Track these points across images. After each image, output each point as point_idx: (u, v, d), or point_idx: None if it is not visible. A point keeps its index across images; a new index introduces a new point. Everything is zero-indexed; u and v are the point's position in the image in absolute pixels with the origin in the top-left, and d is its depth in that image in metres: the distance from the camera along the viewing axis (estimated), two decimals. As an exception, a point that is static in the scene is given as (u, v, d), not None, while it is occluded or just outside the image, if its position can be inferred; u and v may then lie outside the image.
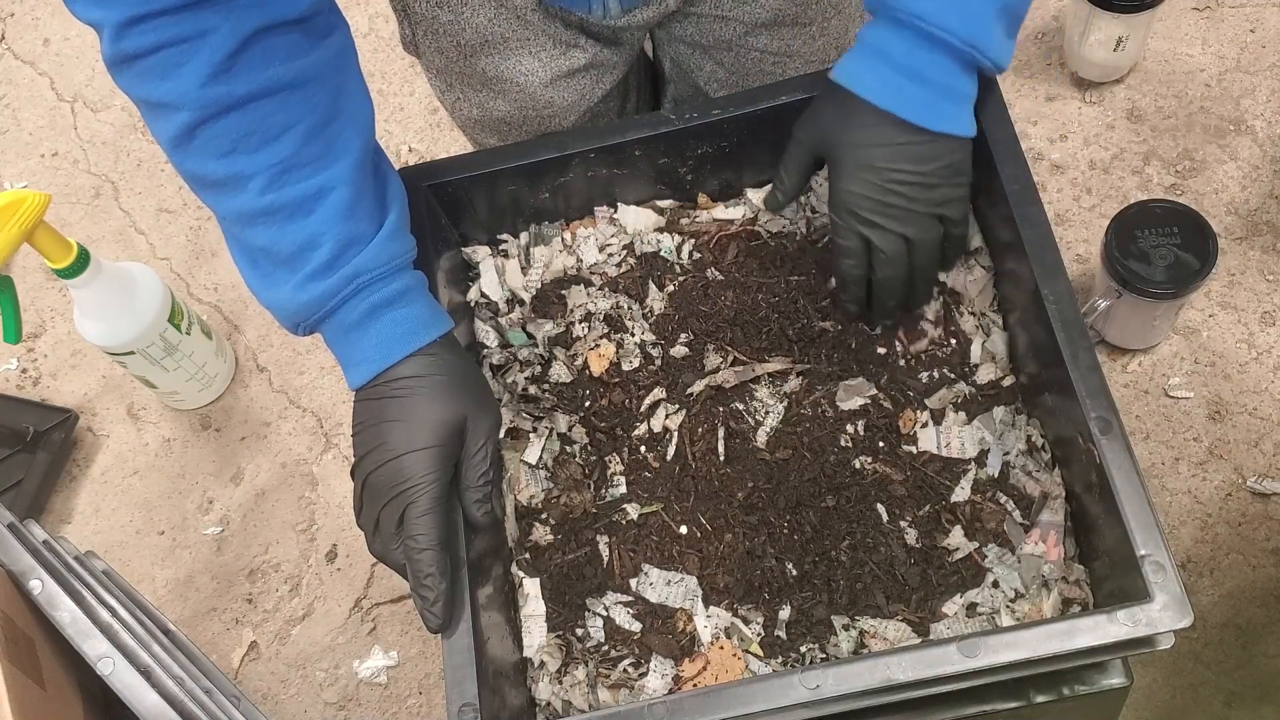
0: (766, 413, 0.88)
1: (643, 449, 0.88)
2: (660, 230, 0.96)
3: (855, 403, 0.87)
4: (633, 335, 0.92)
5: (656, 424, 0.89)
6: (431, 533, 0.74)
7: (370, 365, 0.76)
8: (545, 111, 1.03)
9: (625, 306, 0.93)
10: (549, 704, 0.81)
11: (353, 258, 0.75)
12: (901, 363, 0.89)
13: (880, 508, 0.83)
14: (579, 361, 0.92)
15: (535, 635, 0.83)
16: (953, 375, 0.87)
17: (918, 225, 0.80)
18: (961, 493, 0.83)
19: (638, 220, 0.96)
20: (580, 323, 0.93)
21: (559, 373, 0.92)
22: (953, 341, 0.89)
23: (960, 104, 0.79)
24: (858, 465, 0.85)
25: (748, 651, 0.80)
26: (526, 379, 0.92)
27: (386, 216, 0.77)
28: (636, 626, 0.82)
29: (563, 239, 0.97)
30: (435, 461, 0.75)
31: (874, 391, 0.88)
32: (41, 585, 0.88)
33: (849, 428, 0.87)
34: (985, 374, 0.87)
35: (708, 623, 0.81)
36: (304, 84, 0.72)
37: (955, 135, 0.78)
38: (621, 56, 1.04)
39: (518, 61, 0.98)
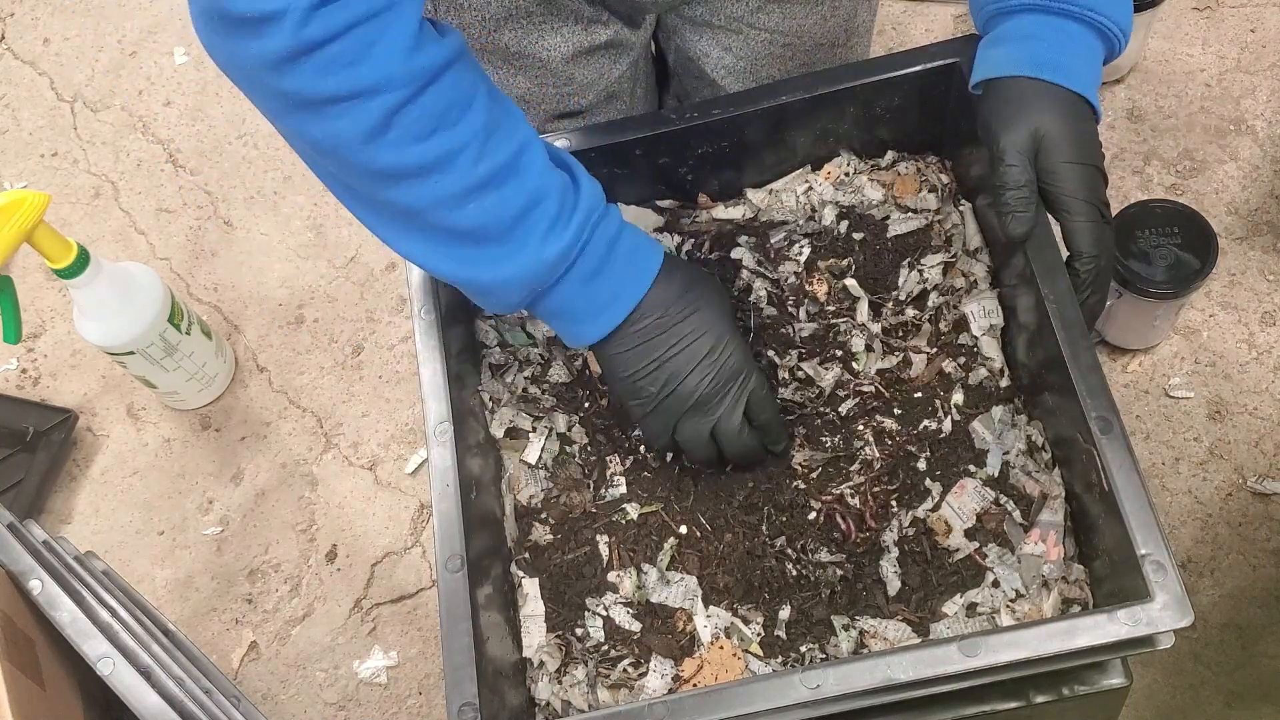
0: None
1: (642, 449, 0.88)
2: (660, 230, 0.96)
3: (853, 403, 0.87)
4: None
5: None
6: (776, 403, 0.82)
7: (627, 299, 0.75)
8: (565, 89, 1.03)
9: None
10: (548, 704, 0.81)
11: (575, 202, 0.72)
12: (897, 362, 0.89)
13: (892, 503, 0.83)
14: (578, 362, 0.92)
15: (535, 635, 0.83)
16: (957, 372, 0.87)
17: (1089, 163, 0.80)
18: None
19: (638, 220, 0.96)
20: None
21: (558, 373, 0.92)
22: (956, 340, 0.89)
23: None
24: (858, 464, 0.85)
25: (747, 651, 0.80)
26: (526, 379, 0.92)
27: (566, 158, 0.75)
28: (636, 626, 0.82)
29: (563, 239, 0.97)
30: (746, 344, 0.80)
31: (871, 389, 0.88)
32: (41, 585, 0.88)
33: (851, 424, 0.87)
34: (984, 373, 0.87)
35: (707, 622, 0.81)
36: (465, 47, 0.69)
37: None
38: (638, 38, 1.04)
39: (540, 36, 0.99)
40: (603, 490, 0.88)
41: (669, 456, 0.87)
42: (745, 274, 0.93)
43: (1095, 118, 0.81)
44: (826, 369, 0.89)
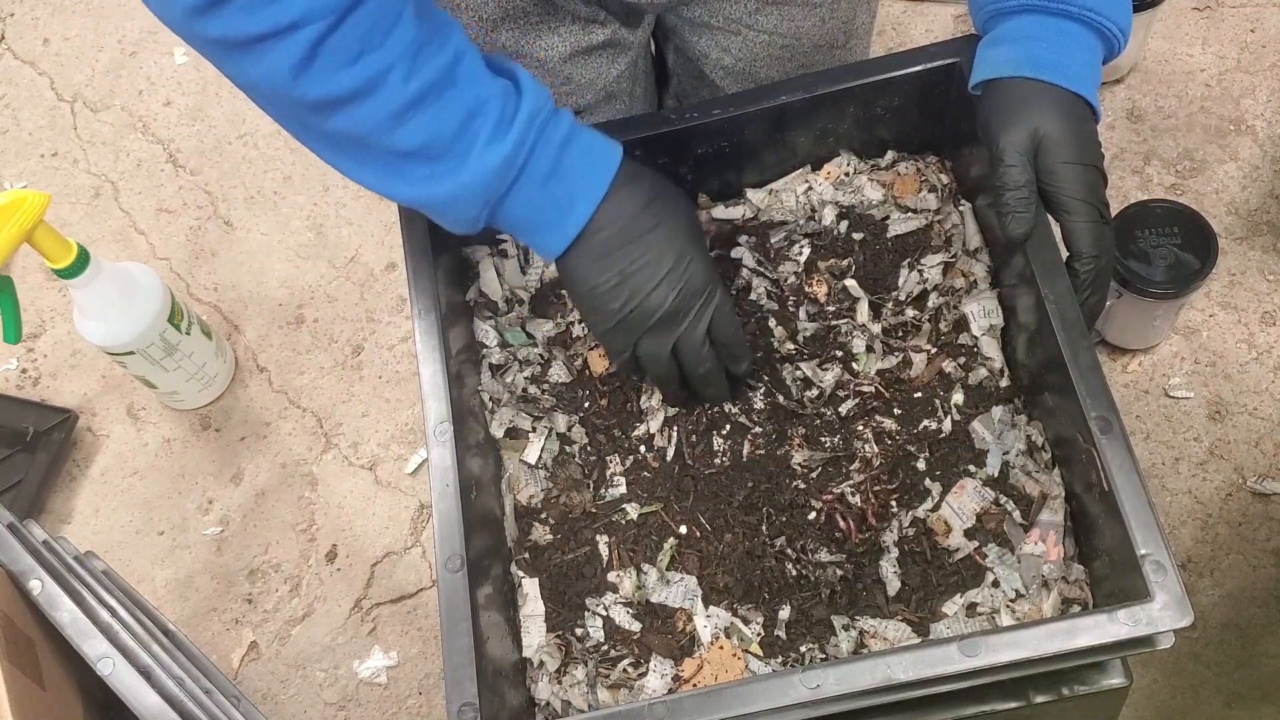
0: (766, 410, 0.88)
1: (642, 449, 0.88)
2: (660, 230, 0.96)
3: (853, 403, 0.87)
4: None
5: (656, 424, 0.89)
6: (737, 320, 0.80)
7: (584, 204, 0.74)
8: (563, 89, 1.03)
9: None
10: (548, 704, 0.81)
11: (518, 105, 0.72)
12: (897, 362, 0.89)
13: (891, 502, 0.83)
14: (579, 362, 0.92)
15: (534, 635, 0.83)
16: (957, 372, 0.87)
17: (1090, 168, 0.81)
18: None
19: (637, 220, 0.96)
20: (579, 323, 0.93)
21: (558, 373, 0.92)
22: (956, 340, 0.89)
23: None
24: (858, 463, 0.85)
25: (747, 651, 0.80)
26: (526, 379, 0.92)
27: (508, 65, 0.75)
28: (636, 626, 0.82)
29: (563, 239, 0.97)
30: (710, 265, 0.78)
31: (871, 389, 0.88)
32: (41, 585, 0.88)
33: (851, 424, 0.87)
34: (984, 373, 0.87)
35: (707, 622, 0.81)
36: None
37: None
38: (637, 39, 1.04)
39: (538, 37, 0.99)
40: (603, 490, 0.88)
41: (669, 455, 0.88)
42: (745, 274, 0.93)
43: (1095, 118, 0.81)
44: (826, 369, 0.89)
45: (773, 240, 0.95)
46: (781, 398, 0.88)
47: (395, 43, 0.68)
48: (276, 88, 0.68)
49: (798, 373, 0.89)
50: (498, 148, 0.71)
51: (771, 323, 0.91)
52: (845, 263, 0.93)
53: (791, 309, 0.92)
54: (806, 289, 0.92)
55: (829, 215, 0.95)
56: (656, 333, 0.80)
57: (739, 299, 0.92)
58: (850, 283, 0.92)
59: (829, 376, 0.88)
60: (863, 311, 0.90)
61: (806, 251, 0.94)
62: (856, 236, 0.94)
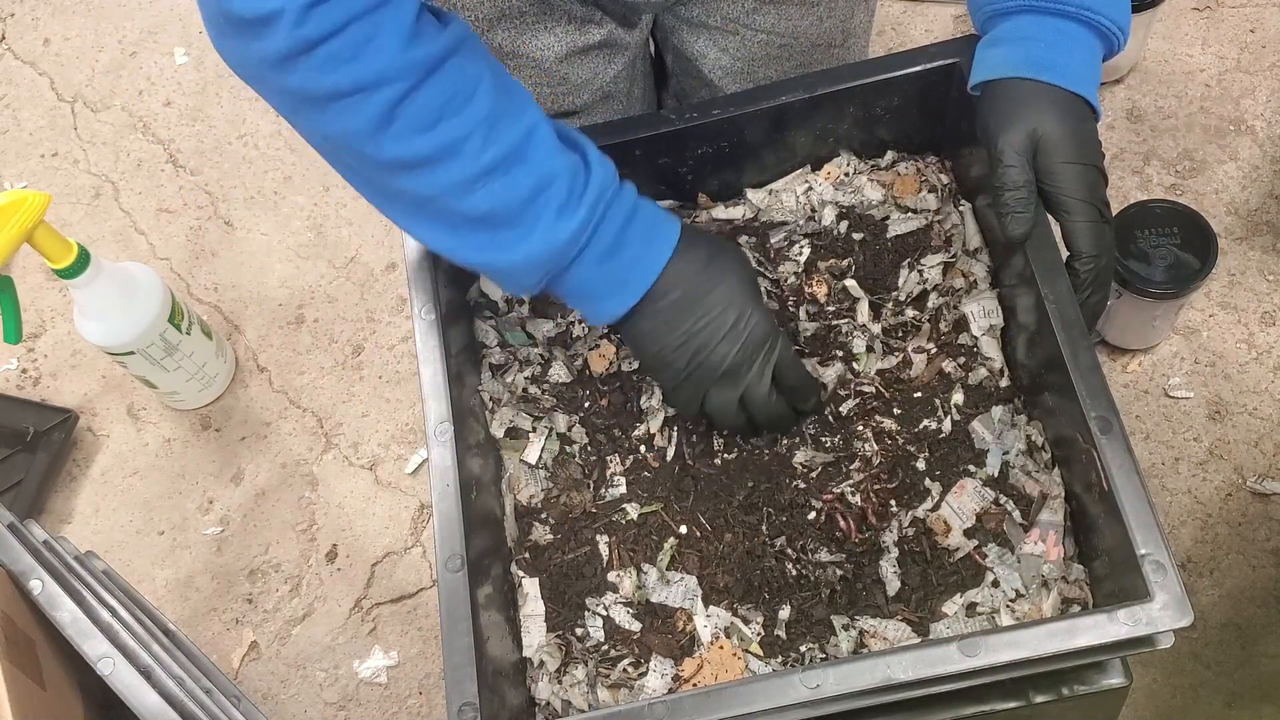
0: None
1: (642, 449, 0.88)
2: (660, 230, 0.96)
3: (852, 403, 0.87)
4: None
5: (656, 424, 0.89)
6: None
7: (644, 276, 0.76)
8: (560, 89, 1.04)
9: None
10: (548, 704, 0.81)
11: (586, 182, 0.73)
12: (896, 363, 0.89)
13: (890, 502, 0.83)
14: (579, 362, 0.92)
15: (534, 635, 0.83)
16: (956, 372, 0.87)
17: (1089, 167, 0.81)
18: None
19: (638, 220, 0.96)
20: (580, 322, 0.93)
21: (559, 373, 0.92)
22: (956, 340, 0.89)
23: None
24: (858, 462, 0.85)
25: (747, 651, 0.80)
26: (526, 379, 0.92)
27: (578, 139, 0.76)
28: (636, 626, 0.82)
29: (563, 239, 0.97)
30: (768, 317, 0.80)
31: (871, 390, 0.88)
32: (41, 585, 0.88)
33: (851, 424, 0.87)
34: (984, 373, 0.87)
35: (707, 622, 0.81)
36: (469, 35, 0.70)
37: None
38: (633, 39, 1.04)
39: (534, 36, 0.99)
40: (603, 490, 0.88)
41: (669, 455, 0.88)
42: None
43: (1095, 117, 0.81)
44: (827, 368, 0.89)
45: (772, 240, 0.95)
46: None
47: (474, 111, 0.69)
48: (351, 145, 0.68)
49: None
50: (565, 224, 0.72)
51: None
52: (845, 263, 0.93)
53: (792, 309, 0.92)
54: (806, 289, 0.92)
55: (829, 215, 0.95)
56: (723, 386, 0.81)
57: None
58: (850, 283, 0.92)
59: (829, 376, 0.88)
60: (863, 312, 0.90)
61: (806, 252, 0.94)
62: (856, 236, 0.94)
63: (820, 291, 0.92)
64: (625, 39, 1.03)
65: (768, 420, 0.84)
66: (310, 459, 1.59)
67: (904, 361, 0.89)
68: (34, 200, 1.28)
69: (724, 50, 1.06)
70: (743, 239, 0.95)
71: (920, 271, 0.91)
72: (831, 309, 0.92)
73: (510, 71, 1.02)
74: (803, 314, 0.91)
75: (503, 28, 0.98)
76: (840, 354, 0.90)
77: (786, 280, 0.93)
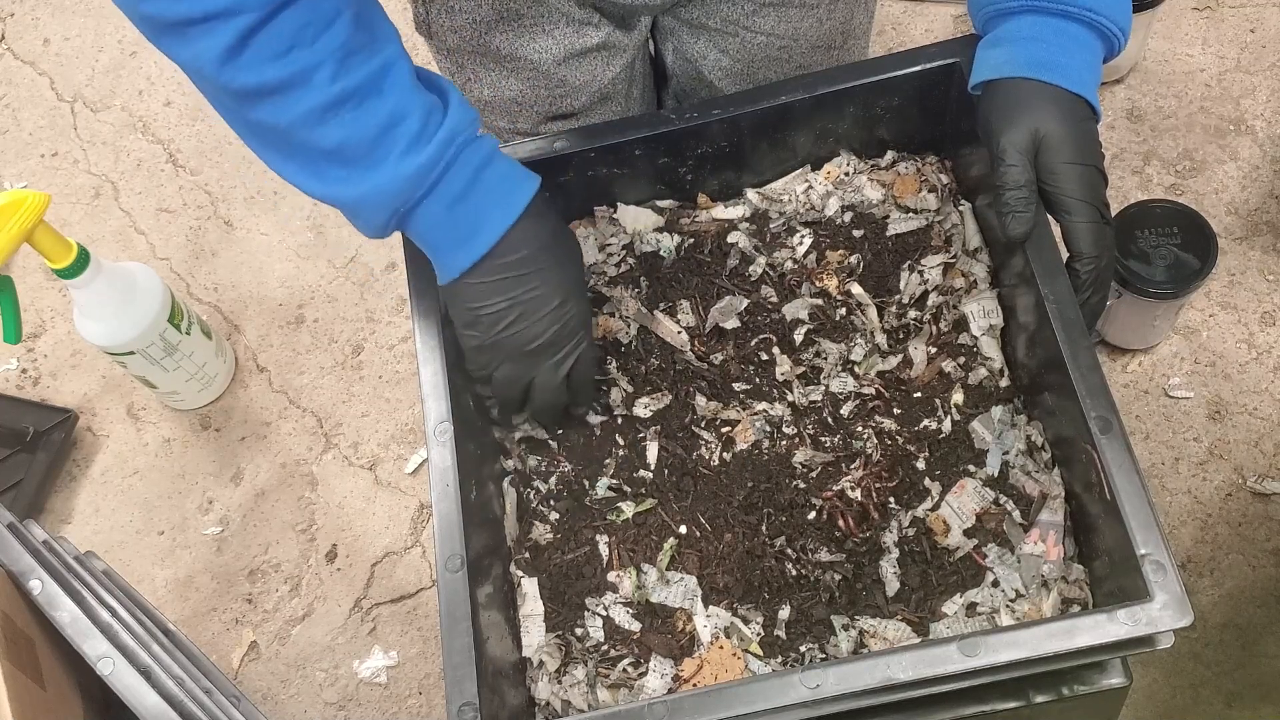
0: (766, 412, 0.88)
1: (642, 448, 0.88)
2: (660, 230, 0.96)
3: (852, 405, 0.87)
4: (629, 326, 0.92)
5: (656, 424, 0.89)
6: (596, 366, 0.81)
7: (491, 229, 0.76)
8: (558, 91, 1.04)
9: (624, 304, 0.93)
10: (548, 704, 0.81)
11: (440, 122, 0.74)
12: (897, 364, 0.89)
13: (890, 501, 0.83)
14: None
15: (534, 635, 0.83)
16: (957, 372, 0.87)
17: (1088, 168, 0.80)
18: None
19: (637, 220, 0.96)
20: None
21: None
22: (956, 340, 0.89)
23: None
24: (859, 462, 0.85)
25: (747, 651, 0.80)
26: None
27: (444, 85, 0.77)
28: (636, 626, 0.82)
29: (562, 239, 0.97)
30: (589, 312, 0.79)
31: (871, 390, 0.88)
32: (41, 585, 0.88)
33: (851, 425, 0.87)
34: (984, 373, 0.87)
35: (707, 622, 0.81)
36: None
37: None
38: (632, 40, 1.04)
39: (531, 39, 0.99)
40: (602, 490, 0.87)
41: (670, 455, 0.87)
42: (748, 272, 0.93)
43: (1095, 118, 0.81)
44: (826, 367, 0.89)
45: (772, 225, 0.95)
46: (784, 397, 0.88)
47: (326, 43, 0.69)
48: (205, 71, 0.69)
49: (799, 370, 0.89)
50: (412, 159, 0.73)
51: (774, 339, 0.91)
52: (854, 258, 0.93)
53: (792, 308, 0.92)
54: (817, 282, 0.92)
55: (833, 205, 0.95)
56: (523, 361, 0.82)
57: (747, 292, 0.92)
58: (857, 289, 0.92)
59: (829, 376, 0.88)
60: (871, 318, 0.90)
61: (808, 241, 0.93)
62: (857, 233, 0.94)
63: (831, 285, 0.92)
64: (623, 41, 1.03)
65: (543, 407, 0.84)
66: (310, 459, 1.59)
67: (904, 362, 0.89)
68: (34, 200, 1.28)
69: (724, 52, 1.06)
70: (743, 224, 0.95)
71: (921, 273, 0.91)
72: (835, 313, 0.91)
73: (508, 74, 1.02)
74: (805, 314, 0.91)
75: (500, 30, 0.98)
76: (841, 355, 0.90)
77: (784, 265, 0.93)
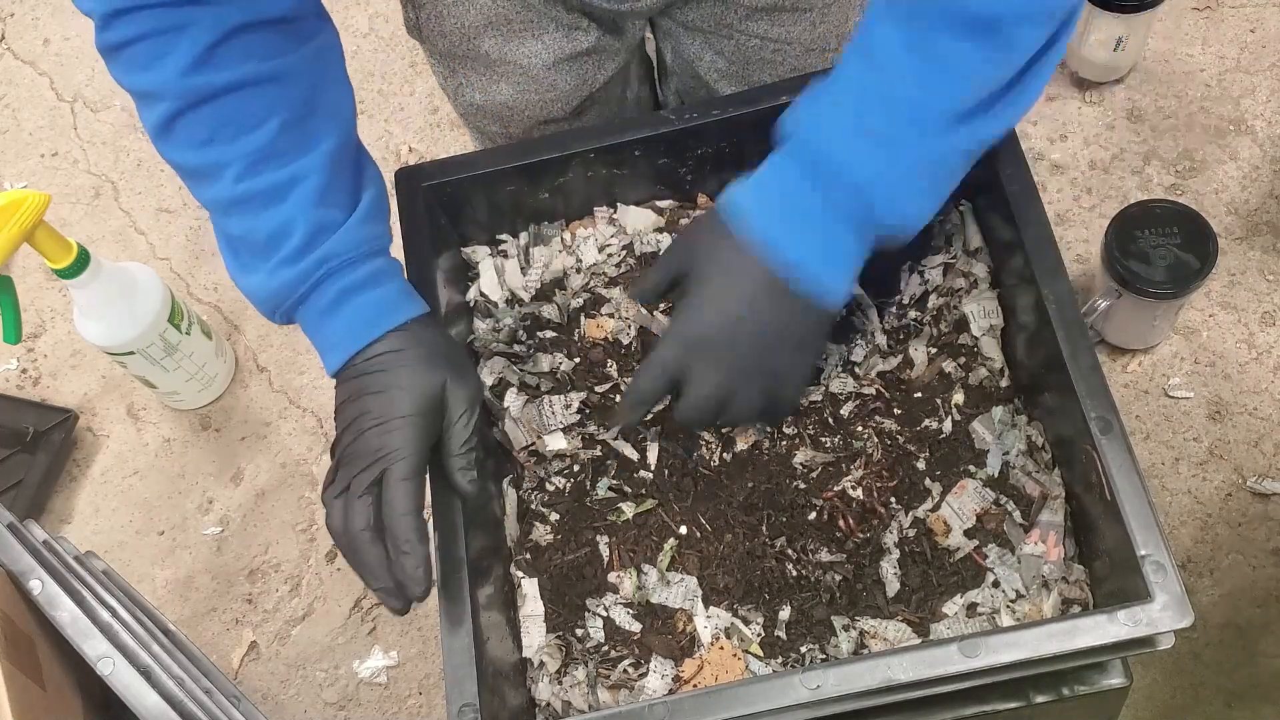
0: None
1: (642, 449, 0.88)
2: (660, 230, 0.96)
3: (852, 405, 0.87)
4: (627, 324, 0.92)
5: (656, 424, 0.89)
6: (412, 499, 0.73)
7: (344, 348, 0.77)
8: (548, 95, 1.03)
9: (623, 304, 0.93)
10: (549, 704, 0.81)
11: (323, 243, 0.76)
12: (899, 368, 0.89)
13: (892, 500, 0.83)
14: (577, 359, 0.92)
15: (534, 635, 0.83)
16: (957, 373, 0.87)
17: (744, 389, 0.77)
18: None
19: (637, 220, 0.96)
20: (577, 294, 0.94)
21: (560, 362, 0.92)
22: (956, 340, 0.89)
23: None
24: (859, 462, 0.85)
25: (748, 652, 0.80)
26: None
27: (359, 203, 0.78)
28: (636, 627, 0.82)
29: (562, 239, 0.97)
30: (416, 430, 0.74)
31: (871, 390, 0.88)
32: (41, 585, 0.88)
33: (851, 425, 0.87)
34: (984, 373, 0.87)
35: (708, 623, 0.81)
36: (281, 79, 0.74)
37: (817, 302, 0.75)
38: (624, 44, 1.04)
39: (521, 44, 0.99)
40: (602, 490, 0.87)
41: (670, 456, 0.88)
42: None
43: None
44: (826, 368, 0.89)
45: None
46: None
47: (243, 145, 0.74)
48: (150, 136, 0.76)
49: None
50: (283, 272, 0.76)
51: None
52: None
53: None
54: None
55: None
56: (355, 470, 0.75)
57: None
58: (856, 289, 0.91)
59: (829, 376, 0.88)
60: (872, 318, 0.90)
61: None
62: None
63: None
64: (614, 45, 1.03)
65: (354, 539, 0.79)
66: (310, 459, 1.59)
67: (904, 362, 0.89)
68: (34, 200, 1.28)
69: (719, 53, 1.06)
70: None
71: (921, 273, 0.91)
72: (841, 312, 0.91)
73: (499, 79, 1.02)
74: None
75: (489, 35, 0.98)
76: (841, 355, 0.90)
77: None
